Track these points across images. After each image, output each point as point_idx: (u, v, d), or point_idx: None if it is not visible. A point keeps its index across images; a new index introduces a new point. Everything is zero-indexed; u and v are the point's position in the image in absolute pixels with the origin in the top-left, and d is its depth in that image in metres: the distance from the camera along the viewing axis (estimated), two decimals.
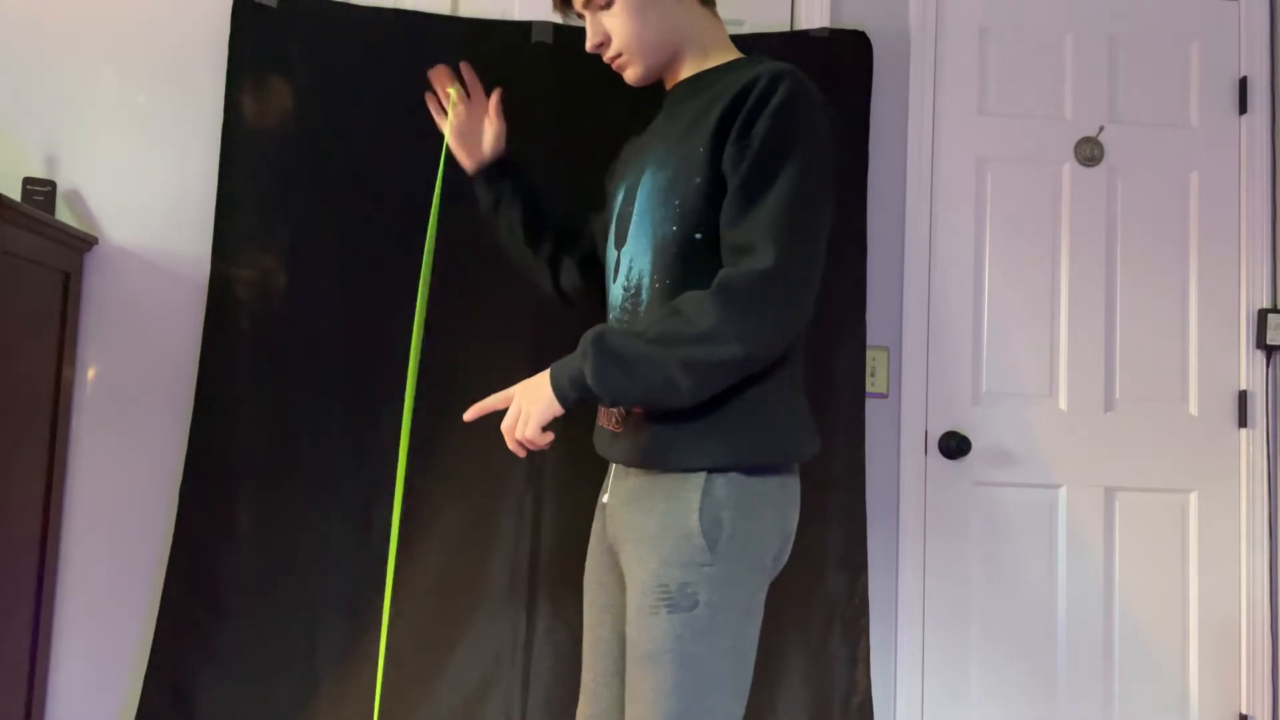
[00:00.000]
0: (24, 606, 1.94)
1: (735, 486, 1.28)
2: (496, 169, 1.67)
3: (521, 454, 1.32)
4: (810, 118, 1.27)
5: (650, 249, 1.37)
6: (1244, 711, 2.31)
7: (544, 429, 1.29)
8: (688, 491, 1.28)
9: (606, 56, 1.45)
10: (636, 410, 1.35)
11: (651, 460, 1.32)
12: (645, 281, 1.37)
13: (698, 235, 1.32)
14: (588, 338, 1.26)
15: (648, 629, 1.27)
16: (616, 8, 1.40)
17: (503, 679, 2.04)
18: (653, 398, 1.25)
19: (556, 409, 1.28)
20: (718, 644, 1.25)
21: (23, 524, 1.92)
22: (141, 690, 1.96)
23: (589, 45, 1.45)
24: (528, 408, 1.29)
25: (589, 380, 1.24)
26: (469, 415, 1.35)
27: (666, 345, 1.22)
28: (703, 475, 1.28)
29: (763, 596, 1.32)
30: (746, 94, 1.29)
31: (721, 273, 1.24)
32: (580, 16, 1.47)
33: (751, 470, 1.29)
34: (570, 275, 1.68)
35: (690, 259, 1.32)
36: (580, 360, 1.25)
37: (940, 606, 2.26)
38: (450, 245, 2.09)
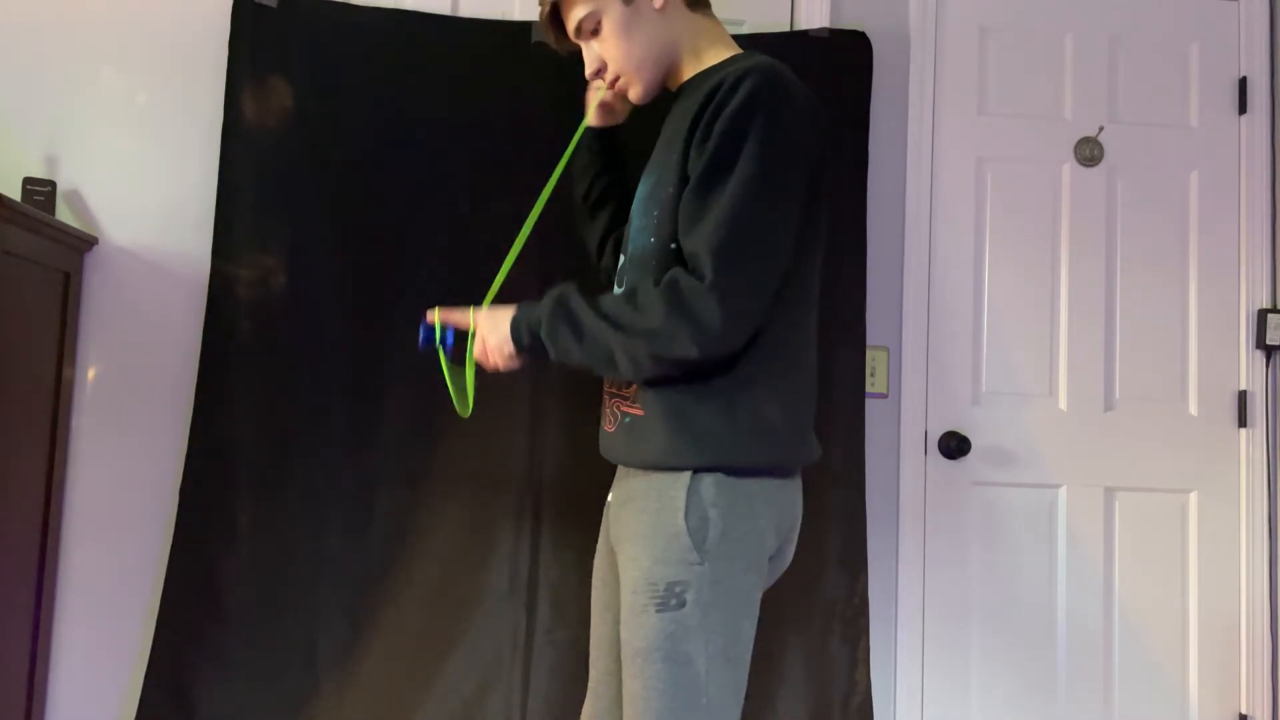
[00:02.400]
0: (24, 606, 1.94)
1: (724, 486, 1.28)
2: (610, 135, 1.71)
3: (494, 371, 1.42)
4: (769, 116, 1.26)
5: (634, 259, 1.39)
6: (1244, 711, 2.31)
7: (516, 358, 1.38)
8: (675, 491, 1.29)
9: (606, 80, 1.47)
10: (626, 407, 1.37)
11: (640, 457, 1.33)
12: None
13: (673, 245, 1.32)
14: (553, 293, 1.33)
15: (638, 627, 1.27)
16: (605, 32, 1.41)
17: (503, 679, 2.04)
18: (593, 367, 1.32)
19: (510, 347, 1.35)
20: (709, 643, 1.25)
21: (23, 524, 1.92)
22: (141, 690, 1.96)
23: (588, 73, 1.48)
24: (487, 339, 1.38)
25: (542, 332, 1.31)
26: (430, 316, 1.45)
27: (615, 329, 1.27)
28: (689, 474, 1.28)
29: (758, 596, 1.31)
30: (711, 98, 1.29)
31: (673, 271, 1.27)
32: (576, 46, 1.49)
33: (740, 471, 1.29)
34: (608, 260, 1.73)
35: (667, 270, 1.32)
36: (540, 313, 1.32)
37: (940, 606, 2.26)
38: (459, 243, 2.09)
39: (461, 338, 1.43)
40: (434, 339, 1.43)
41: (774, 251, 1.26)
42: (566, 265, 2.06)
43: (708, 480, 1.28)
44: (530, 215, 1.55)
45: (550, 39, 1.51)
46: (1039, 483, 2.30)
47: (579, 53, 1.52)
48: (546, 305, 1.32)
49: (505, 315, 1.36)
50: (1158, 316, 2.35)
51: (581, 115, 2.11)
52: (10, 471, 1.86)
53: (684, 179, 1.31)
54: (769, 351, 1.31)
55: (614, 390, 1.42)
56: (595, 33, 1.42)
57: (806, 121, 1.30)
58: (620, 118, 1.66)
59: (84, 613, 2.06)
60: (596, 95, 1.56)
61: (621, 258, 1.47)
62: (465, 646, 2.04)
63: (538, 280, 2.05)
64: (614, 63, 1.43)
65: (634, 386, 1.36)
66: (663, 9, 1.40)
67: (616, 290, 1.46)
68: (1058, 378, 2.33)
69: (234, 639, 1.98)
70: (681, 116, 1.36)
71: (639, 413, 1.35)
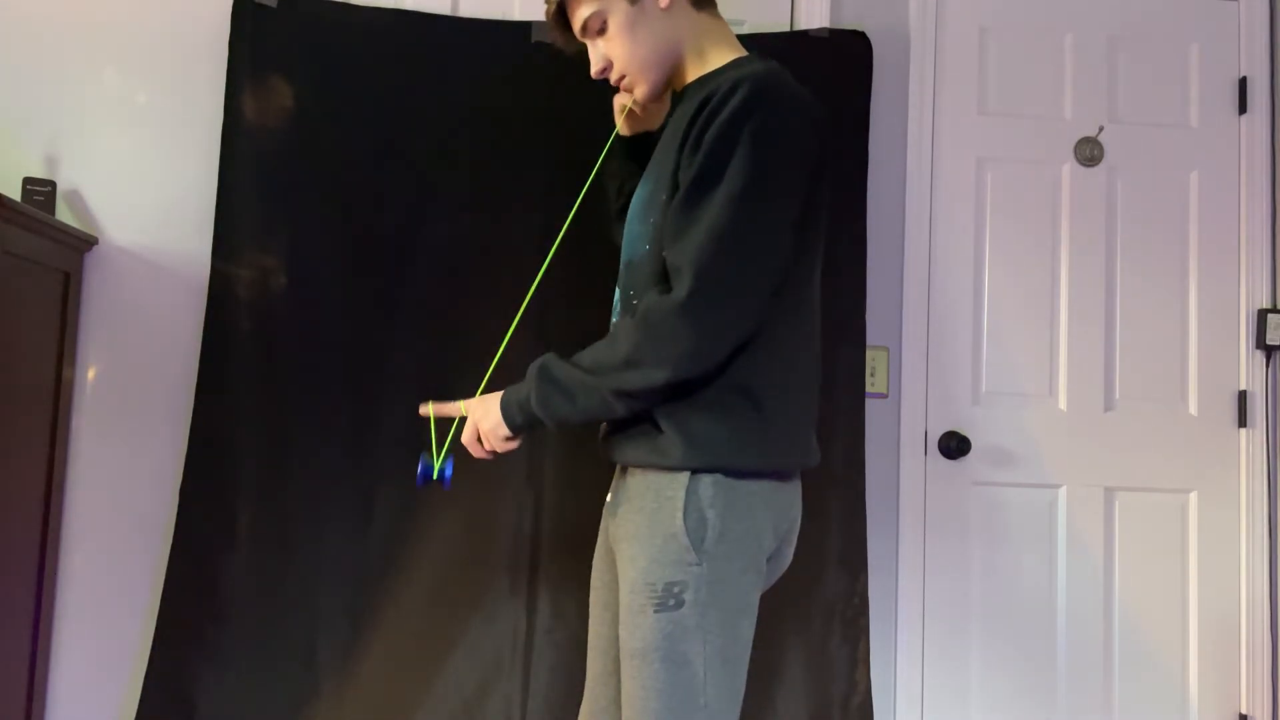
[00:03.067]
0: (24, 606, 1.94)
1: (721, 487, 1.28)
2: (641, 140, 1.68)
3: (489, 458, 1.43)
4: (761, 125, 1.26)
5: (632, 266, 1.39)
6: (1244, 711, 2.31)
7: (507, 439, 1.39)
8: (674, 491, 1.29)
9: (613, 80, 1.47)
10: None
11: (638, 458, 1.33)
12: (629, 295, 1.39)
13: (665, 253, 1.32)
14: (534, 367, 1.33)
15: (636, 628, 1.27)
16: (611, 31, 1.42)
17: (503, 679, 2.04)
18: (596, 418, 1.34)
19: (504, 430, 1.36)
20: (706, 643, 1.25)
21: (23, 524, 1.92)
22: (141, 690, 1.96)
23: (594, 72, 1.47)
24: (480, 425, 1.38)
25: (534, 407, 1.31)
26: (424, 410, 1.43)
27: (599, 374, 1.29)
28: (688, 475, 1.29)
29: (756, 596, 1.31)
30: (704, 106, 1.29)
31: (645, 299, 1.28)
32: (583, 45, 1.49)
33: (738, 473, 1.29)
34: None
35: (663, 279, 1.32)
36: (527, 388, 1.33)
37: (940, 606, 2.26)
38: (458, 243, 2.09)
39: (455, 461, 1.43)
40: (432, 475, 1.42)
41: (765, 258, 1.26)
42: (565, 318, 2.07)
43: (706, 481, 1.28)
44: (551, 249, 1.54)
45: (557, 37, 1.51)
46: (1039, 483, 2.30)
47: (583, 50, 1.52)
48: (531, 379, 1.33)
49: (494, 399, 1.37)
50: (1158, 316, 2.35)
51: (578, 115, 2.12)
52: (10, 471, 1.86)
53: (676, 187, 1.31)
54: (767, 354, 1.31)
55: None
56: (601, 31, 1.43)
57: (802, 127, 1.29)
58: (651, 125, 1.65)
59: (84, 613, 2.06)
60: (623, 103, 1.56)
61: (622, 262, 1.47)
62: (465, 646, 2.04)
63: (536, 304, 2.04)
64: (619, 61, 1.43)
65: None
66: (668, 9, 1.41)
67: (618, 293, 1.46)
68: (1058, 378, 2.33)
69: (234, 639, 1.98)
70: (678, 121, 1.36)
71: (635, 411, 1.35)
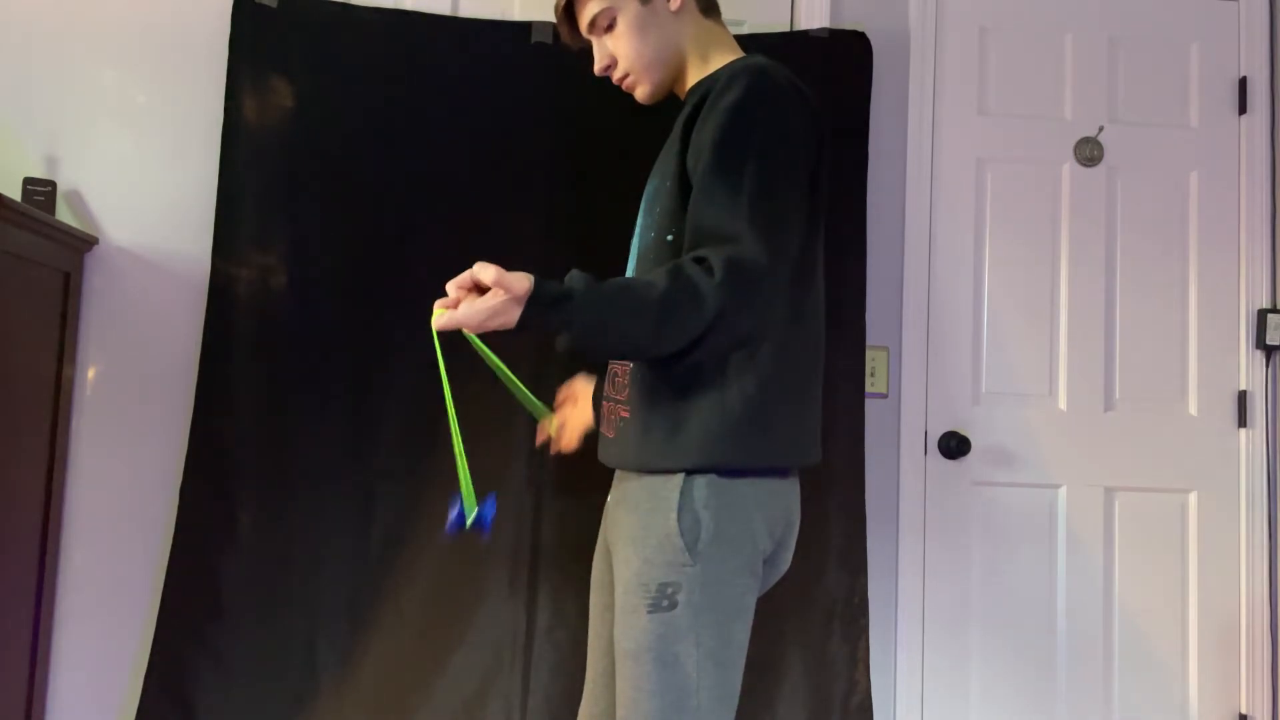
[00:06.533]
0: (24, 606, 1.94)
1: (715, 488, 1.28)
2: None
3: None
4: (768, 110, 1.27)
5: (639, 254, 1.39)
6: (1244, 711, 2.31)
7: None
8: (668, 492, 1.28)
9: (615, 77, 1.48)
10: (624, 412, 1.37)
11: (635, 460, 1.33)
12: None
13: (669, 237, 1.33)
14: (577, 286, 1.16)
15: (629, 628, 1.27)
16: (620, 30, 1.42)
17: (503, 679, 2.04)
18: (621, 345, 1.19)
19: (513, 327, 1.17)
20: (699, 645, 1.25)
21: (23, 524, 1.92)
22: (141, 690, 1.96)
23: (597, 69, 1.47)
24: (485, 318, 1.15)
25: (557, 345, 1.17)
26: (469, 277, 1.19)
27: (656, 337, 1.17)
28: (682, 476, 1.28)
29: (752, 599, 1.31)
30: (707, 95, 1.31)
31: (731, 254, 1.18)
32: (587, 41, 1.49)
33: (732, 472, 1.29)
34: None
35: (664, 262, 1.32)
36: (560, 320, 1.15)
37: (940, 606, 2.26)
38: (458, 242, 2.09)
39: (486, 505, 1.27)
40: (465, 522, 1.24)
41: (790, 235, 1.27)
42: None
43: (700, 482, 1.28)
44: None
45: (564, 33, 1.51)
46: (1039, 483, 2.30)
47: (586, 49, 1.52)
48: (564, 323, 1.15)
49: (511, 311, 1.15)
50: (1157, 316, 2.35)
51: (578, 115, 2.12)
52: (10, 471, 1.86)
53: (682, 174, 1.31)
54: (765, 350, 1.30)
55: (611, 395, 1.42)
56: (609, 29, 1.43)
57: (802, 114, 1.30)
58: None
59: (84, 613, 2.06)
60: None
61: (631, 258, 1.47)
62: (465, 646, 2.04)
63: None
64: (624, 60, 1.44)
65: (628, 390, 1.36)
66: (677, 12, 1.42)
67: None
68: (1058, 378, 2.33)
69: (234, 639, 1.98)
70: (681, 117, 1.37)
71: (632, 415, 1.35)
